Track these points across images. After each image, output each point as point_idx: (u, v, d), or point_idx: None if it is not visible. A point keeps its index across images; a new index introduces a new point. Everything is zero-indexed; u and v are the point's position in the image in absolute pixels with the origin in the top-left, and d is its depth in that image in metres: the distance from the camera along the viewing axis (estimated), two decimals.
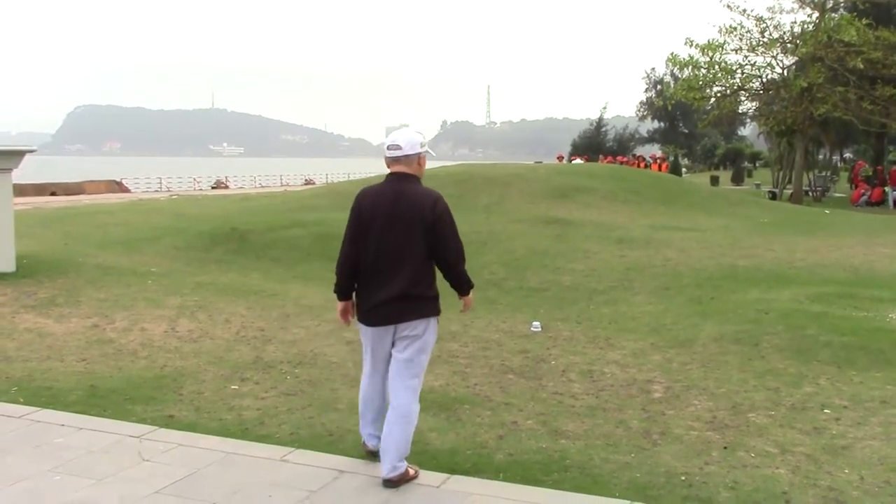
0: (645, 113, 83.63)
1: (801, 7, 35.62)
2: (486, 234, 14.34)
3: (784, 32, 34.92)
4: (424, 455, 5.08)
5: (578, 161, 42.38)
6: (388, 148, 4.72)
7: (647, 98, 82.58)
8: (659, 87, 75.07)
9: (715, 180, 49.10)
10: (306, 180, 59.17)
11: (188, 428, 5.55)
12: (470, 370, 7.22)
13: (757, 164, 68.28)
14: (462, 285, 4.87)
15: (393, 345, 4.67)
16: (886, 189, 34.75)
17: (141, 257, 12.86)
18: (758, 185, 45.93)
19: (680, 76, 40.17)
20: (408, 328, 4.61)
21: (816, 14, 34.36)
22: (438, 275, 4.82)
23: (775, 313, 8.93)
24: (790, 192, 35.28)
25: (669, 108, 50.46)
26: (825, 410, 6.10)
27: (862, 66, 31.25)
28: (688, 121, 78.75)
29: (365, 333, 4.75)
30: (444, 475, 4.75)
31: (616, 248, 13.42)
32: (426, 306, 4.68)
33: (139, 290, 10.26)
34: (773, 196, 36.38)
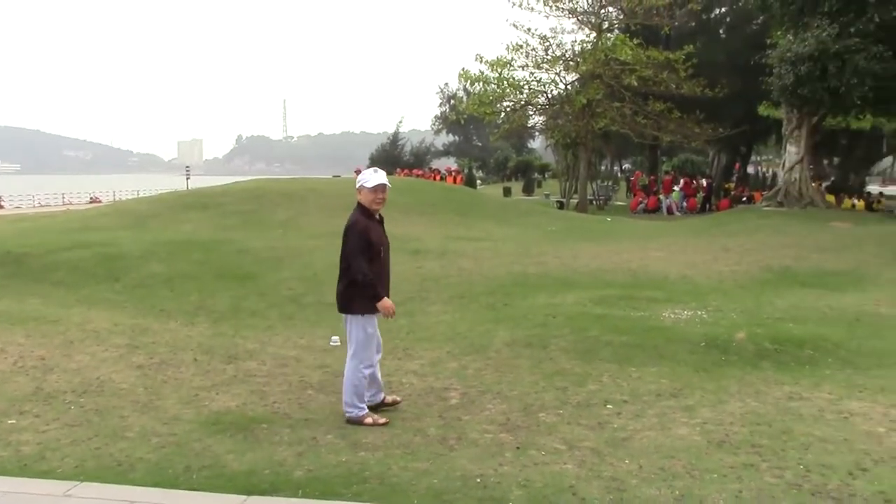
0: (440, 127, 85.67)
1: (580, 28, 37.81)
2: (282, 250, 14.17)
3: (566, 51, 36.85)
4: (221, 478, 4.95)
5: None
6: None
7: (441, 112, 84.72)
8: (452, 101, 77.24)
9: (507, 191, 50.84)
10: (92, 198, 55.97)
11: None
12: (268, 388, 7.11)
13: (546, 176, 71.37)
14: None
15: None
16: (661, 197, 37.44)
17: None
18: (547, 196, 47.98)
19: (472, 91, 41.36)
20: None
21: (594, 34, 36.53)
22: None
23: (562, 317, 9.41)
24: (576, 201, 37.16)
25: (462, 122, 51.93)
26: (608, 406, 6.50)
27: (636, 83, 33.59)
28: (481, 134, 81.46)
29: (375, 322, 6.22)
30: (242, 497, 4.65)
31: (412, 260, 13.65)
32: None
33: None
34: (561, 205, 38.17)
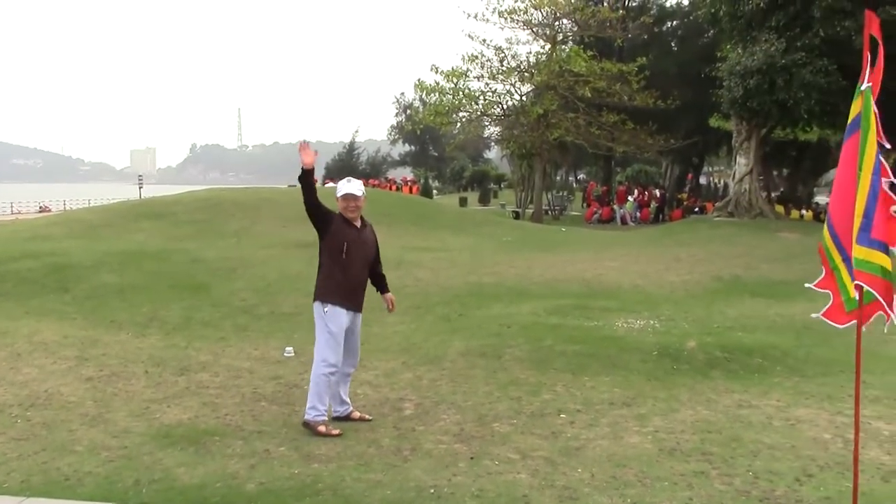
0: (396, 137, 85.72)
1: (535, 39, 38.10)
2: (236, 261, 14.05)
3: (521, 62, 37.12)
4: (172, 491, 4.89)
5: (332, 185, 42.60)
6: None
7: (397, 122, 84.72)
8: (408, 111, 77.23)
9: (463, 201, 50.99)
10: (41, 208, 54.96)
11: None
12: (220, 400, 7.04)
13: (502, 186, 71.72)
14: None
15: None
16: (615, 207, 37.84)
17: None
18: (503, 206, 48.23)
19: (428, 101, 41.46)
20: None
21: (549, 46, 36.87)
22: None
23: (517, 326, 9.47)
24: (532, 211, 37.40)
25: (419, 132, 52.03)
26: (561, 415, 6.55)
27: (590, 95, 33.95)
28: (437, 144, 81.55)
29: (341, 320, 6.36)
30: None
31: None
32: None
33: None
34: (517, 215, 38.36)
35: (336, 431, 6.10)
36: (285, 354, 8.77)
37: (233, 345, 9.31)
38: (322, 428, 6.08)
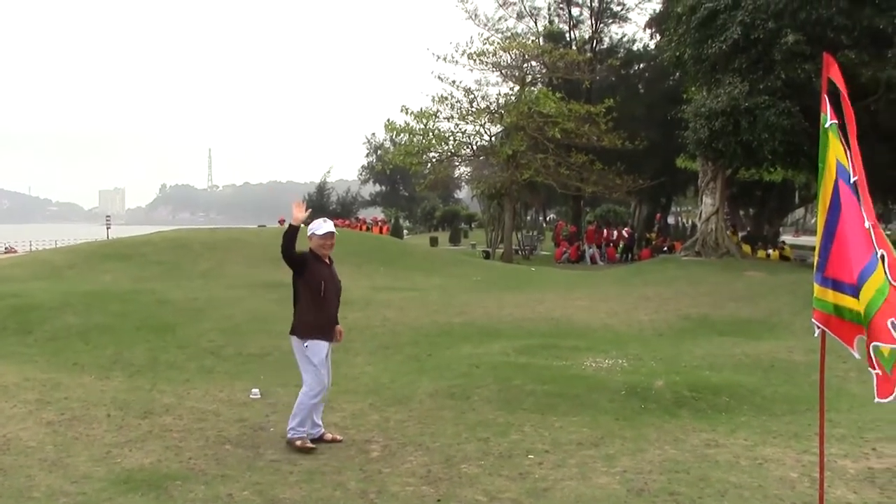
0: (367, 176, 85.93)
1: (504, 81, 38.50)
2: (203, 301, 13.93)
3: (490, 103, 37.40)
4: None
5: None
6: None
7: (368, 162, 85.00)
8: (379, 151, 77.52)
9: (434, 241, 50.95)
10: (7, 248, 54.14)
11: None
12: (184, 444, 6.92)
13: (472, 225, 71.92)
14: None
15: None
16: (584, 247, 38.02)
17: None
18: (473, 245, 48.27)
19: (398, 142, 41.64)
20: None
21: (518, 87, 37.26)
22: None
23: (486, 366, 9.44)
24: (502, 251, 37.50)
25: (389, 172, 52.21)
26: (530, 456, 6.51)
27: (559, 136, 34.24)
28: (408, 184, 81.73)
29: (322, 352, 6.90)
30: None
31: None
32: None
33: None
34: (487, 255, 38.39)
35: (311, 445, 6.71)
36: (251, 396, 8.67)
37: (198, 387, 9.19)
38: (299, 442, 6.71)
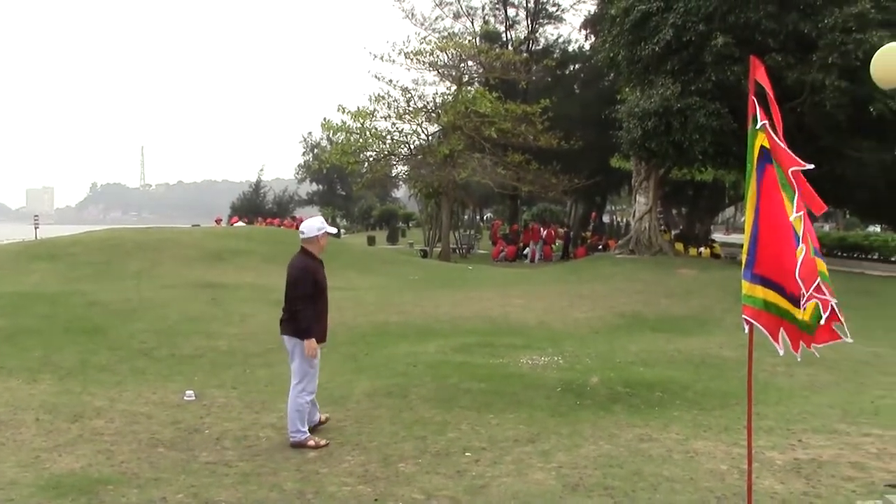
0: (303, 176, 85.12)
1: (441, 80, 38.54)
2: (135, 302, 13.65)
3: (427, 103, 37.44)
4: None
5: (240, 224, 42.01)
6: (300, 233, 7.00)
7: (305, 161, 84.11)
8: (316, 150, 76.88)
9: (371, 240, 50.79)
10: None
11: None
12: (116, 447, 6.78)
13: (410, 224, 71.91)
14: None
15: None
16: (530, 245, 38.22)
17: None
18: (411, 245, 48.21)
19: (335, 141, 41.33)
20: None
21: (455, 87, 37.35)
22: None
23: (423, 365, 9.46)
24: (440, 250, 37.55)
25: (326, 171, 51.77)
26: (466, 454, 6.55)
27: (495, 135, 34.44)
28: (345, 183, 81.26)
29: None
30: None
31: (273, 311, 13.27)
32: None
33: None
34: (424, 254, 38.40)
35: (324, 442, 6.83)
36: (185, 398, 8.54)
37: (130, 389, 9.01)
38: (311, 442, 6.79)
